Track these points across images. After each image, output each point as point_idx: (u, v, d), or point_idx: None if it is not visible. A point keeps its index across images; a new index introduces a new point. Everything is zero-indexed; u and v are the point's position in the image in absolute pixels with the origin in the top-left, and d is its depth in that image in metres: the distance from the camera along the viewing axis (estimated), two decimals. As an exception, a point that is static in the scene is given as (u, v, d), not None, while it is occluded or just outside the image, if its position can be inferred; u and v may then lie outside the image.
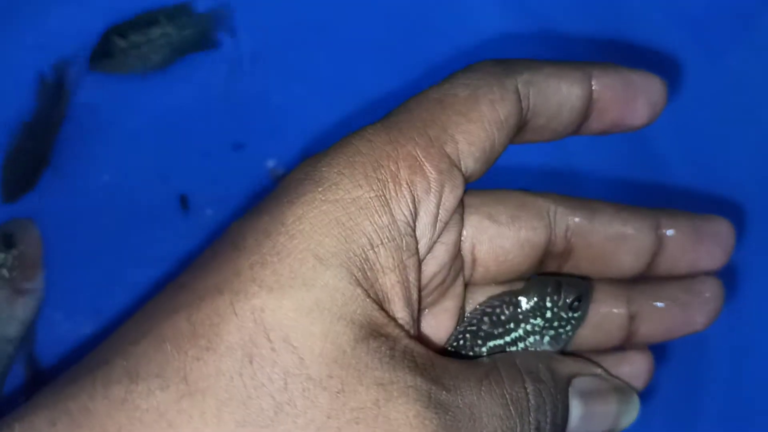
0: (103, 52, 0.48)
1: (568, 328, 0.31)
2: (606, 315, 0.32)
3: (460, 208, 0.28)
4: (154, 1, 0.49)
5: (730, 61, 0.43)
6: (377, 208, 0.24)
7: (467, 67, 0.28)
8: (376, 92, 0.48)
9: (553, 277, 0.31)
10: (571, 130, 0.30)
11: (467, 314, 0.31)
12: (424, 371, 0.24)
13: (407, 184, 0.25)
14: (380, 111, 0.48)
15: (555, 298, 0.30)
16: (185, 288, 0.24)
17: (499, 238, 0.30)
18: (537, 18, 0.47)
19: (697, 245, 0.31)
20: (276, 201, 0.25)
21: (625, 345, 0.33)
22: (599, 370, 0.29)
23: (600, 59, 0.45)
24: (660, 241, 0.31)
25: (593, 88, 0.29)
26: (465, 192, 0.29)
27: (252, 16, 0.49)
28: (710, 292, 0.32)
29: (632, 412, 0.29)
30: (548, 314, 0.30)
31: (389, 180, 0.25)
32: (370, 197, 0.24)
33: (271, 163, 0.48)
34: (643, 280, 0.32)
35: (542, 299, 0.30)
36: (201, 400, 0.21)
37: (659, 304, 0.32)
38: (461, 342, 0.30)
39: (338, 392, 0.22)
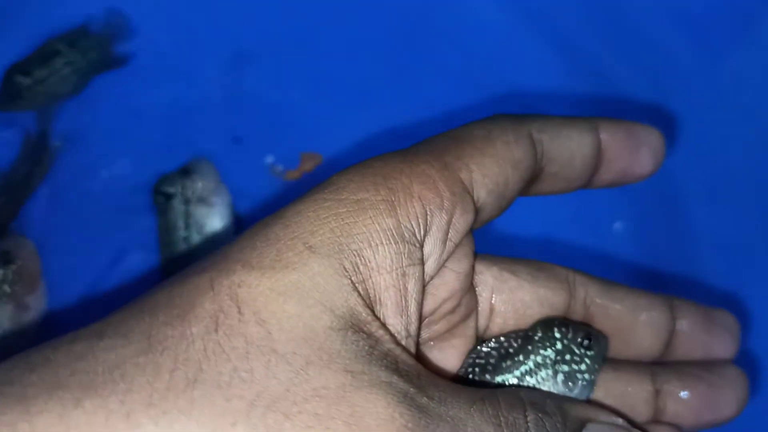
0: (9, 94, 0.46)
1: (583, 367, 0.30)
2: (629, 386, 0.31)
3: (470, 241, 0.28)
4: (49, 29, 0.48)
5: (730, 62, 0.44)
6: (383, 210, 0.24)
7: (482, 119, 0.29)
8: (376, 90, 0.48)
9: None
10: (584, 180, 0.31)
11: (475, 349, 0.30)
12: (405, 376, 0.23)
13: (419, 197, 0.25)
14: (380, 108, 0.49)
15: (563, 330, 0.30)
16: (177, 274, 0.25)
17: (519, 290, 0.30)
18: (538, 19, 0.47)
19: (709, 332, 0.32)
20: (286, 205, 0.25)
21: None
22: (621, 421, 0.27)
23: (601, 60, 0.47)
24: (674, 323, 0.32)
25: (601, 137, 0.30)
26: (479, 255, 0.29)
27: (251, 14, 0.48)
28: (734, 375, 0.32)
29: None
30: (558, 345, 0.30)
31: (399, 190, 0.25)
32: (376, 200, 0.25)
33: (269, 159, 0.48)
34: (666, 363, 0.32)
35: (550, 330, 0.30)
36: (158, 356, 0.22)
37: (684, 393, 0.31)
38: (470, 377, 0.29)
39: (301, 369, 0.22)
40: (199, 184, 0.45)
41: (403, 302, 0.25)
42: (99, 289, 0.45)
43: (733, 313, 0.41)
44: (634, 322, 0.31)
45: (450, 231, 0.26)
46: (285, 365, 0.22)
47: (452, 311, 0.28)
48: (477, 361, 0.30)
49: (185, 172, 0.45)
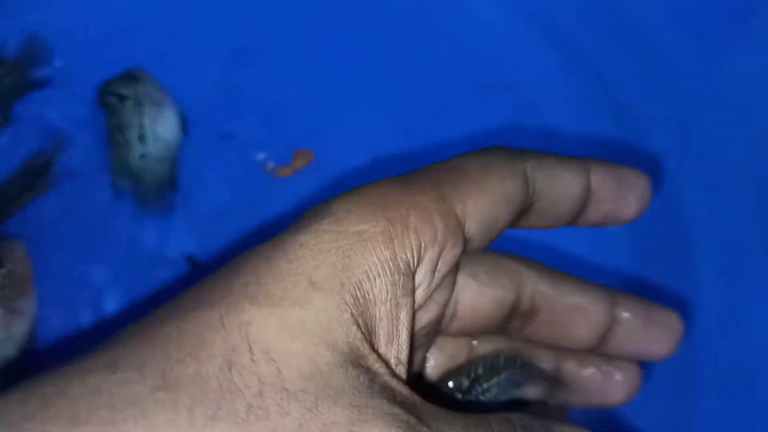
0: None
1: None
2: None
3: (455, 271, 0.29)
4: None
5: (729, 60, 0.44)
6: (380, 242, 0.25)
7: (479, 149, 0.30)
8: (372, 88, 0.47)
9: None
10: (571, 218, 0.32)
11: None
12: (405, 406, 0.24)
13: (415, 229, 0.26)
14: (376, 106, 0.48)
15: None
16: (179, 302, 0.25)
17: (480, 295, 0.32)
18: (538, 19, 0.47)
19: (647, 330, 0.35)
20: (283, 233, 0.26)
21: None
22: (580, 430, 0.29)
23: (600, 59, 0.46)
24: (614, 320, 0.34)
25: (591, 180, 0.32)
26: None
27: (246, 11, 0.47)
28: (630, 368, 0.35)
29: None
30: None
31: (397, 221, 0.26)
32: (375, 232, 0.25)
33: (261, 156, 0.47)
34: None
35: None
36: (175, 394, 0.22)
37: (585, 371, 0.35)
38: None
39: (312, 406, 0.23)
40: (150, 88, 0.45)
41: (395, 331, 0.26)
42: (91, 294, 0.45)
43: (729, 315, 0.43)
44: (576, 318, 0.34)
45: (440, 264, 0.27)
46: (296, 402, 0.23)
47: (426, 335, 0.30)
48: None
49: (132, 77, 0.45)
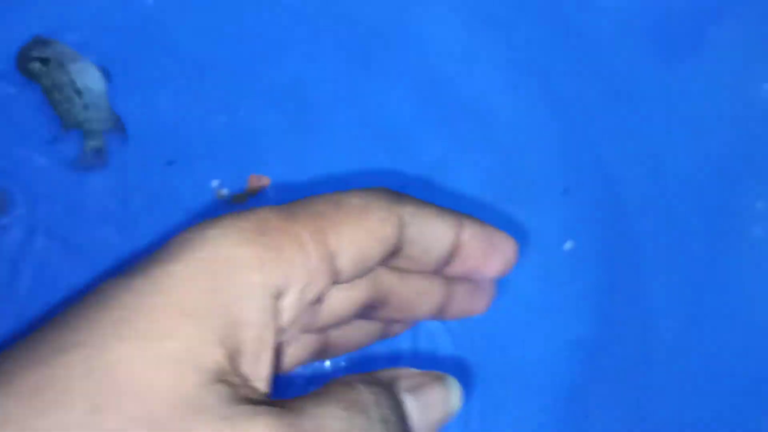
0: None
1: None
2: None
3: (321, 299, 0.31)
4: None
5: (681, 71, 0.45)
6: (253, 267, 0.26)
7: (365, 188, 0.32)
8: (329, 109, 0.48)
9: None
10: (436, 267, 0.34)
11: None
12: (267, 404, 0.26)
13: (287, 258, 0.27)
14: (332, 130, 0.48)
15: None
16: (45, 343, 0.25)
17: (339, 300, 0.33)
18: (494, 28, 0.48)
19: (472, 296, 0.38)
20: (152, 261, 0.26)
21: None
22: (413, 369, 0.32)
23: (553, 67, 0.47)
24: (449, 294, 0.37)
25: (462, 236, 0.34)
26: None
27: (198, 32, 0.48)
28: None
29: (457, 391, 0.32)
30: None
31: (272, 249, 0.27)
32: (247, 256, 0.26)
33: (215, 183, 0.47)
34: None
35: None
36: None
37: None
38: None
39: (183, 427, 0.23)
40: (63, 48, 0.48)
41: (259, 351, 0.27)
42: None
43: (676, 324, 0.45)
44: (419, 299, 0.36)
45: (307, 290, 0.28)
46: (167, 431, 0.23)
47: (284, 346, 0.32)
48: None
49: (43, 42, 0.48)
